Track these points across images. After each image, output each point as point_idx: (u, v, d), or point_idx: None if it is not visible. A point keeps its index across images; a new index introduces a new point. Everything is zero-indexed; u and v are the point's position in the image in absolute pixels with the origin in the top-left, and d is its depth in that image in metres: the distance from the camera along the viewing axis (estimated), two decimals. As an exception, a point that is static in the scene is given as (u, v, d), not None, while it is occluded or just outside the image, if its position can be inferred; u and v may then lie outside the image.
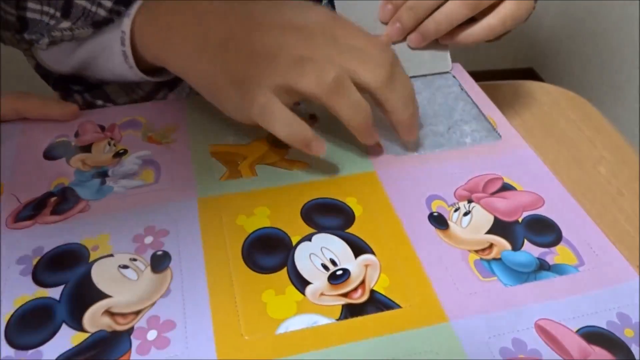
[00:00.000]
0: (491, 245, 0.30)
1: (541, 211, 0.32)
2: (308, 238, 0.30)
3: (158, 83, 0.44)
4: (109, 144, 0.36)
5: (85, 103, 0.47)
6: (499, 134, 0.38)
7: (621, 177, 0.42)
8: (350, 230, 0.31)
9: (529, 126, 0.47)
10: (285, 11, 0.33)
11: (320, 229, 0.31)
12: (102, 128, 0.38)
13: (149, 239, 0.30)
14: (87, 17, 0.38)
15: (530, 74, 1.75)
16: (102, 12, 0.38)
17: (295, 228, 0.30)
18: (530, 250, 0.30)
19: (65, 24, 0.38)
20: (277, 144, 0.36)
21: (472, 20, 0.40)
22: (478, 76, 0.45)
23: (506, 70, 1.70)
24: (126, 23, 0.37)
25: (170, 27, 0.35)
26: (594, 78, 1.51)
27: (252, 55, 0.32)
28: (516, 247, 0.30)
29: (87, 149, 0.36)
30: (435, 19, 0.39)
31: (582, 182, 0.41)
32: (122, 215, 0.31)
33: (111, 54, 0.39)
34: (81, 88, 0.47)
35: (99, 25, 0.38)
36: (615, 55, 1.41)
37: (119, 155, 0.35)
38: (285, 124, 0.31)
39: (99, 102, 0.47)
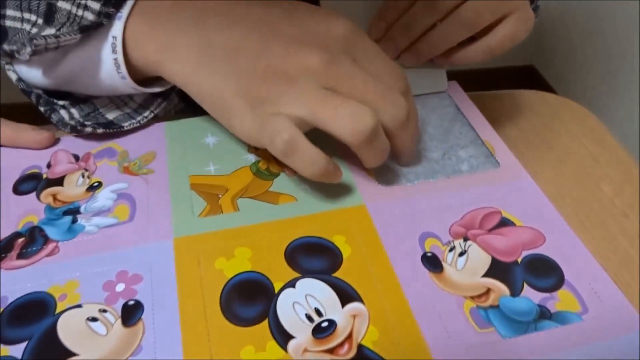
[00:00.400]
0: (488, 291, 0.28)
1: (542, 250, 0.30)
2: (292, 284, 0.28)
3: (152, 93, 0.40)
4: (83, 176, 0.34)
5: (71, 120, 0.43)
6: (497, 161, 0.36)
7: (625, 197, 0.39)
8: (337, 274, 0.28)
9: (528, 140, 0.45)
10: (304, 20, 0.30)
11: (305, 273, 0.28)
12: (77, 157, 0.35)
13: (120, 287, 0.28)
14: (72, 23, 0.33)
15: (531, 72, 1.72)
16: (89, 16, 0.33)
17: (279, 272, 0.28)
18: (530, 296, 0.28)
19: (49, 31, 0.34)
20: (261, 175, 0.34)
21: (469, 39, 0.37)
22: (477, 74, 0.42)
23: (506, 68, 1.68)
24: (117, 27, 0.33)
25: (169, 30, 0.32)
26: (595, 76, 1.48)
27: (268, 74, 0.29)
28: (515, 292, 0.28)
29: (59, 181, 0.34)
30: (430, 39, 0.37)
31: (585, 201, 0.39)
32: (93, 259, 0.29)
33: (100, 64, 0.35)
34: (67, 103, 0.43)
35: (87, 30, 0.33)
36: (616, 53, 1.39)
37: (92, 188, 0.33)
38: (312, 163, 0.29)
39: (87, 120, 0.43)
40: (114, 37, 0.33)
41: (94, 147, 0.36)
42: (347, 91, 0.29)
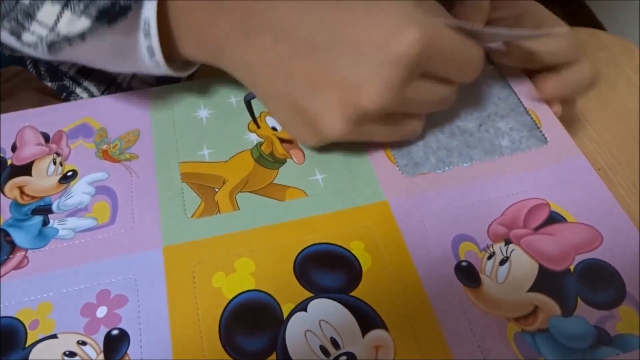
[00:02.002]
0: (536, 310, 0.24)
1: (598, 254, 0.26)
2: (303, 307, 0.24)
3: None
4: (54, 162, 0.29)
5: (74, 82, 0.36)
6: (544, 136, 0.30)
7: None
8: (356, 292, 0.24)
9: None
10: (360, 42, 0.24)
11: (318, 291, 0.24)
12: (46, 137, 0.30)
13: (102, 311, 0.24)
14: (82, 1, 0.25)
15: None
16: None
17: (287, 291, 0.24)
18: (586, 315, 0.24)
19: (50, 8, 0.25)
20: (264, 162, 0.29)
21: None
22: None
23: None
24: (149, 7, 0.25)
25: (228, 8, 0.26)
26: None
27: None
28: (567, 310, 0.24)
29: (26, 169, 0.29)
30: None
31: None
32: (68, 273, 0.25)
33: (128, 49, 0.27)
34: (82, 78, 0.36)
35: (115, 19, 0.25)
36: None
37: (66, 179, 0.28)
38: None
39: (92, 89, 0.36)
40: (146, 21, 0.26)
41: (67, 121, 0.31)
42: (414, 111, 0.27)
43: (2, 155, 0.29)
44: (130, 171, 0.28)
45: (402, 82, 0.24)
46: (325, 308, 0.23)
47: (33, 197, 0.27)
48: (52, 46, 0.25)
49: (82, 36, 0.25)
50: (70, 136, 0.30)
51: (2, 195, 0.28)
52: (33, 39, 0.25)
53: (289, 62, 0.25)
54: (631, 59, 0.42)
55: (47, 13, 0.25)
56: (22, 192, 0.28)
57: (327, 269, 0.25)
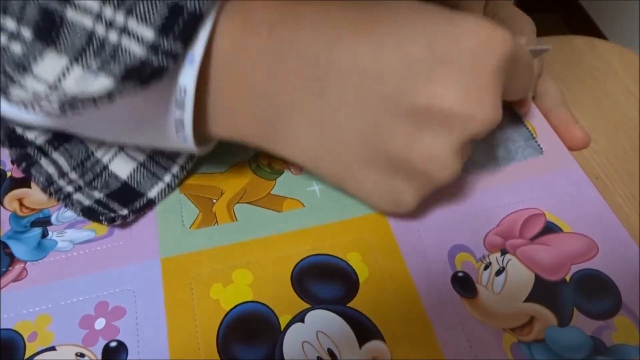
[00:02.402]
0: (532, 320, 0.24)
1: (594, 263, 0.26)
2: (300, 318, 0.24)
3: None
4: (53, 175, 0.29)
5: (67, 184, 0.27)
6: (540, 147, 0.30)
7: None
8: (353, 303, 0.24)
9: (575, 100, 0.38)
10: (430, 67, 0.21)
11: (316, 302, 0.24)
12: (45, 149, 0.30)
13: (100, 323, 0.24)
14: (108, 55, 0.19)
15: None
16: (136, 50, 0.19)
17: (285, 302, 0.24)
18: (582, 326, 0.24)
19: (51, 56, 0.20)
20: (261, 173, 0.29)
21: None
22: None
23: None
24: (188, 73, 0.21)
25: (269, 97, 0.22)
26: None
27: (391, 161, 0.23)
28: (564, 320, 0.24)
29: (25, 181, 0.29)
30: None
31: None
32: (67, 285, 0.25)
33: (149, 118, 0.23)
34: (43, 140, 0.27)
35: (147, 80, 0.20)
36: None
37: (65, 191, 0.28)
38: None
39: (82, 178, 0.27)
40: (182, 89, 0.21)
41: (67, 134, 0.31)
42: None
43: (1, 167, 0.30)
44: (129, 183, 0.28)
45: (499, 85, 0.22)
46: (322, 319, 0.24)
47: (32, 209, 0.28)
48: (66, 106, 0.21)
49: (110, 96, 0.20)
50: (69, 148, 0.30)
51: (1, 208, 0.28)
52: (26, 95, 0.21)
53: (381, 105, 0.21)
54: (628, 66, 0.42)
55: (48, 66, 0.20)
56: (21, 204, 0.28)
57: (324, 280, 0.25)
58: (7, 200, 0.28)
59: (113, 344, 0.23)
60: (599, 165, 0.34)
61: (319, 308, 0.24)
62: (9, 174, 0.29)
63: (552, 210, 0.28)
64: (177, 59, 0.20)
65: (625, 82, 0.40)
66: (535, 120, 0.32)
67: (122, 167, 0.27)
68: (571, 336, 0.23)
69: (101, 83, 0.20)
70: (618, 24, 1.36)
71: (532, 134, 0.31)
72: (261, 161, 0.29)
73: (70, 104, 0.20)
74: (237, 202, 0.28)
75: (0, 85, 0.20)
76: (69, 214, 0.27)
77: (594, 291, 0.25)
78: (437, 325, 0.24)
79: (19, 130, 0.27)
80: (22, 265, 0.26)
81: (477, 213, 0.27)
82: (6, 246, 0.26)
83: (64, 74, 0.20)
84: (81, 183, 0.27)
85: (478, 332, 0.23)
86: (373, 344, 0.23)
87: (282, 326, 0.23)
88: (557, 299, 0.25)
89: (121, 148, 0.28)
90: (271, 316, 0.24)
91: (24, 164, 0.27)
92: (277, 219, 0.27)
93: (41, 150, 0.27)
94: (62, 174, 0.27)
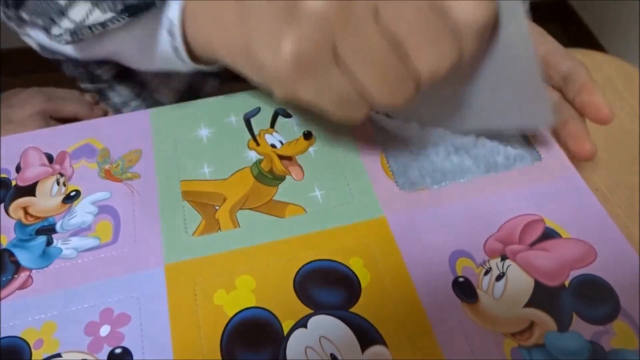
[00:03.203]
0: (532, 325, 0.24)
1: (593, 269, 0.26)
2: (303, 323, 0.24)
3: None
4: (58, 183, 0.29)
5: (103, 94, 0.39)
6: (538, 154, 0.31)
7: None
8: (355, 308, 0.24)
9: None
10: None
11: (318, 307, 0.24)
12: (50, 158, 0.31)
13: (105, 329, 0.24)
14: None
15: (563, 7, 1.56)
16: None
17: (287, 307, 0.24)
18: (581, 330, 0.24)
19: (82, 4, 0.28)
20: (263, 179, 0.29)
21: None
22: None
23: (535, 4, 1.52)
24: (174, 8, 0.28)
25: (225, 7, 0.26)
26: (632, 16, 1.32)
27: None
28: (563, 325, 0.24)
29: (30, 189, 0.29)
30: None
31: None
32: (72, 292, 0.25)
33: (154, 47, 0.30)
34: (108, 75, 0.37)
35: (136, 13, 0.28)
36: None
37: (69, 199, 0.29)
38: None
39: (125, 97, 0.39)
40: (171, 21, 0.28)
41: (70, 142, 0.31)
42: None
43: (6, 176, 0.30)
44: (132, 190, 0.29)
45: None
46: (325, 324, 0.24)
47: (37, 218, 0.28)
48: (73, 34, 0.28)
49: (102, 25, 0.27)
50: (73, 157, 0.31)
51: (7, 216, 0.28)
52: (59, 31, 0.29)
53: None
54: (627, 79, 0.42)
55: (78, 11, 0.28)
56: (26, 213, 0.28)
57: (326, 285, 0.25)
58: (12, 208, 0.28)
59: (118, 350, 0.23)
60: (599, 178, 0.34)
61: (322, 313, 0.24)
62: (14, 182, 0.30)
63: (551, 216, 0.28)
64: None
65: (624, 95, 0.40)
66: (534, 126, 0.32)
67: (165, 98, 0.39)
68: (571, 341, 0.24)
69: (106, 16, 0.28)
70: (617, 37, 1.36)
71: (530, 141, 0.31)
72: (263, 167, 0.30)
73: (77, 34, 0.28)
74: (240, 209, 0.28)
75: (45, 25, 0.29)
76: (74, 222, 0.28)
77: (592, 296, 0.25)
78: (439, 329, 0.24)
79: (90, 68, 0.36)
80: (28, 273, 0.26)
81: (477, 219, 0.28)
82: (11, 254, 0.27)
83: (87, 15, 0.28)
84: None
85: (479, 337, 0.24)
86: (375, 349, 0.23)
87: (285, 331, 0.24)
88: (556, 304, 0.25)
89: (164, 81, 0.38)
90: (274, 322, 0.24)
91: (99, 97, 0.38)
92: (280, 225, 0.27)
93: (109, 84, 0.37)
94: (125, 104, 0.38)
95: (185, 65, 0.30)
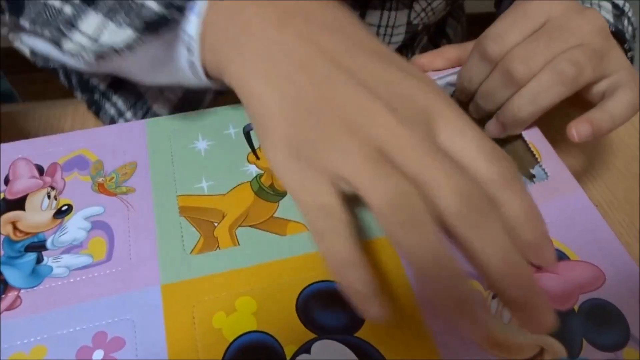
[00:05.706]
0: (542, 352, 0.24)
1: (602, 293, 0.25)
2: (306, 348, 0.23)
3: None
4: (49, 196, 0.28)
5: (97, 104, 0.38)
6: (545, 172, 0.30)
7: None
8: (360, 333, 0.24)
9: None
10: (393, 77, 0.23)
11: (322, 332, 0.24)
12: (41, 170, 0.29)
13: (98, 354, 0.23)
14: (128, 10, 0.26)
15: None
16: (152, 5, 0.25)
17: (290, 332, 0.23)
18: (592, 357, 0.23)
19: (92, 16, 0.26)
20: (264, 195, 0.28)
21: None
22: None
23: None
24: (193, 23, 0.25)
25: (244, 30, 0.25)
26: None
27: (330, 108, 0.22)
28: (574, 352, 0.24)
29: (19, 203, 0.28)
30: (519, 102, 0.30)
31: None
32: (62, 314, 0.24)
33: (168, 61, 0.28)
34: (104, 85, 0.36)
35: (154, 29, 0.25)
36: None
37: (61, 213, 0.27)
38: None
39: (120, 106, 0.38)
40: (190, 36, 0.26)
41: (62, 153, 0.30)
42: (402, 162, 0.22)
43: (-6, 187, 0.29)
44: (127, 205, 0.28)
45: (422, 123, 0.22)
46: (329, 350, 0.23)
47: (27, 233, 0.27)
48: (100, 56, 0.26)
49: (129, 47, 0.26)
50: (65, 169, 0.29)
51: (-6, 231, 0.27)
52: (74, 47, 0.27)
53: None
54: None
55: (89, 23, 0.26)
56: (15, 228, 0.27)
57: (330, 307, 0.24)
58: (0, 223, 0.27)
59: (112, 377, 0.22)
60: (599, 192, 0.34)
61: (326, 338, 0.23)
62: (1, 195, 0.28)
63: (559, 237, 0.27)
64: (182, 11, 0.25)
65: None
66: (540, 144, 0.31)
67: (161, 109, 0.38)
68: (581, 368, 0.23)
69: (127, 34, 0.25)
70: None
71: (536, 158, 0.31)
72: (263, 182, 0.29)
73: (102, 55, 0.26)
74: (240, 226, 0.27)
75: (53, 37, 0.27)
76: (65, 238, 0.26)
77: (602, 322, 0.24)
78: (446, 355, 0.23)
79: (85, 77, 0.35)
80: (16, 292, 0.25)
81: (483, 239, 0.27)
82: (-1, 272, 0.25)
83: (101, 29, 0.26)
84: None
85: (488, 363, 0.23)
86: (381, 377, 0.22)
87: (288, 358, 0.23)
88: (566, 329, 0.24)
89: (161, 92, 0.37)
90: (276, 347, 0.23)
91: (93, 108, 0.37)
92: (281, 243, 0.26)
93: (104, 94, 0.36)
94: (121, 114, 0.37)
95: (199, 81, 0.28)
